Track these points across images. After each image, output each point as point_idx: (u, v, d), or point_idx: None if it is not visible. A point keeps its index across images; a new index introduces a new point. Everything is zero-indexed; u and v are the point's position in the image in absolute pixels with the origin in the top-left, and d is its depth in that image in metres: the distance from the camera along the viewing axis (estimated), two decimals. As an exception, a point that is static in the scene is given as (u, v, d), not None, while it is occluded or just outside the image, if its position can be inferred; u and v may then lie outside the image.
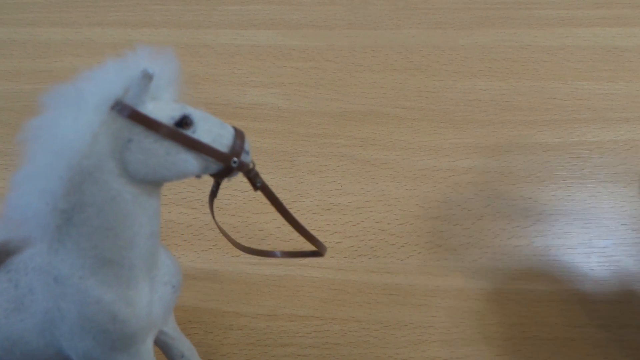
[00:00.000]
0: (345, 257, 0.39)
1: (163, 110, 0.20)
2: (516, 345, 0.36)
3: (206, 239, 0.40)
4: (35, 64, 0.50)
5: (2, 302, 0.21)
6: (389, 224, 0.40)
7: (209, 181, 0.40)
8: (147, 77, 0.19)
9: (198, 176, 0.22)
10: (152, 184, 0.21)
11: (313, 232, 0.41)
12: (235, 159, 0.21)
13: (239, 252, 0.40)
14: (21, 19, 0.52)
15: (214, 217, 0.25)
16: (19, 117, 0.47)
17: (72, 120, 0.19)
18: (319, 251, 0.26)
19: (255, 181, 0.23)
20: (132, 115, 0.19)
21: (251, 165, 0.23)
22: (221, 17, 0.51)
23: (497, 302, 0.38)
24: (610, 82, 0.46)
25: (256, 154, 0.43)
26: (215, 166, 0.21)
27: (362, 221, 0.41)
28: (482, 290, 0.38)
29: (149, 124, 0.19)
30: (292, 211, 0.40)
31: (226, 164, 0.21)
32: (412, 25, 0.50)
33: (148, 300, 0.23)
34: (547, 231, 0.40)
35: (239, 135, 0.22)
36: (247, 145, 0.22)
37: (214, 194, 0.24)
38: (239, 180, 0.43)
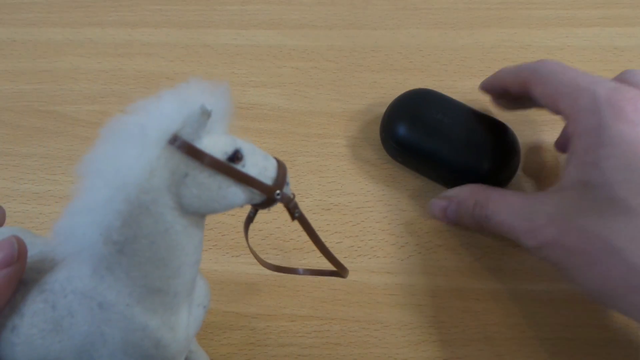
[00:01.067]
0: (345, 257, 0.39)
1: (217, 145, 0.20)
2: (516, 345, 0.36)
3: (206, 239, 0.40)
4: (35, 64, 0.50)
5: (39, 322, 0.21)
6: (389, 224, 0.40)
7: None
8: (206, 114, 0.19)
9: (241, 206, 0.22)
10: (201, 215, 0.21)
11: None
12: (278, 191, 0.22)
13: (239, 252, 0.40)
14: (21, 19, 0.53)
15: (247, 240, 0.26)
16: (19, 117, 0.47)
17: (135, 157, 0.19)
18: (340, 272, 0.27)
19: (294, 212, 0.24)
20: (190, 151, 0.19)
21: (292, 197, 0.23)
22: (221, 17, 0.51)
23: (497, 302, 0.38)
24: (610, 82, 0.46)
25: (256, 154, 0.43)
26: (259, 198, 0.22)
27: (362, 221, 0.41)
28: (482, 290, 0.38)
29: (206, 160, 0.20)
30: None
31: (269, 196, 0.22)
32: (412, 25, 0.50)
33: (186, 324, 0.23)
34: (547, 231, 0.40)
35: (281, 167, 0.23)
36: (288, 177, 0.23)
37: (250, 219, 0.25)
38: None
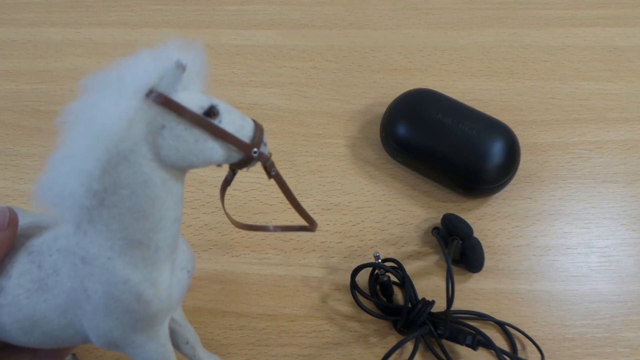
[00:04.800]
0: (345, 257, 0.39)
1: (192, 100, 0.21)
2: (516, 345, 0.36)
3: (206, 239, 0.40)
4: (35, 64, 0.50)
5: (25, 282, 0.22)
6: (389, 224, 0.40)
7: (207, 182, 0.40)
8: (181, 68, 0.20)
9: (219, 165, 0.23)
10: (180, 170, 0.22)
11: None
12: (255, 149, 0.22)
13: (239, 252, 0.40)
14: (21, 19, 0.52)
15: (223, 203, 0.26)
16: (19, 117, 0.47)
17: (113, 105, 0.20)
18: (310, 227, 0.27)
19: (271, 170, 0.24)
20: (166, 102, 0.20)
21: (269, 156, 0.24)
22: (221, 17, 0.51)
23: (497, 302, 0.38)
24: (610, 82, 0.46)
25: (256, 154, 0.43)
26: (237, 155, 0.22)
27: (362, 221, 0.41)
28: (482, 290, 0.38)
29: (181, 112, 0.20)
30: (291, 211, 0.41)
31: (247, 154, 0.22)
32: (412, 25, 0.50)
33: (168, 283, 0.23)
34: (547, 231, 0.40)
35: (258, 128, 0.23)
36: (265, 137, 0.23)
37: (227, 182, 0.25)
38: (239, 181, 0.43)
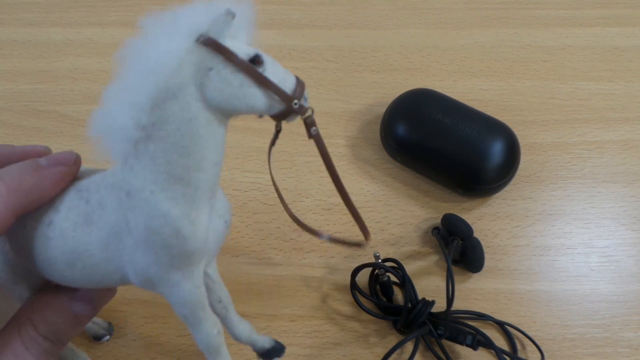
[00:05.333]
0: (345, 257, 0.39)
1: (240, 47, 0.23)
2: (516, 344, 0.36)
3: (206, 239, 0.40)
4: (35, 64, 0.50)
5: (72, 216, 0.23)
6: (389, 223, 0.40)
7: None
8: (230, 15, 0.22)
9: (260, 115, 0.24)
10: (223, 114, 0.23)
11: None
12: (296, 101, 0.23)
13: (239, 252, 0.40)
14: (21, 19, 0.52)
15: (270, 169, 0.28)
16: (19, 117, 0.47)
17: (166, 44, 0.21)
18: (363, 241, 0.28)
19: (311, 127, 0.25)
20: (215, 46, 0.21)
21: (310, 112, 0.25)
22: (221, 17, 0.51)
23: (497, 302, 0.38)
24: (610, 82, 0.46)
25: (256, 153, 0.43)
26: (278, 105, 0.23)
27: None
28: (482, 290, 0.38)
29: (228, 56, 0.22)
30: (292, 211, 0.40)
31: (288, 105, 0.23)
32: (412, 25, 0.50)
33: (206, 226, 0.24)
34: (547, 231, 0.40)
35: (300, 83, 0.24)
36: (307, 93, 0.24)
37: (273, 143, 0.27)
38: (239, 181, 0.43)
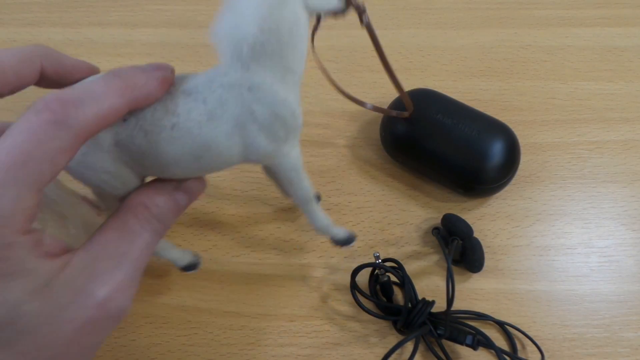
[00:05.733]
0: (345, 257, 0.39)
1: None
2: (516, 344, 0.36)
3: (206, 239, 0.40)
4: (35, 64, 0.50)
5: (195, 116, 0.25)
6: (389, 223, 0.40)
7: (207, 182, 0.40)
8: None
9: (334, 11, 0.29)
10: (310, 15, 0.27)
11: (313, 232, 0.41)
12: None
13: (239, 252, 0.40)
14: (21, 19, 0.53)
15: (314, 49, 0.33)
16: (19, 117, 0.47)
17: None
18: (405, 111, 0.34)
19: (363, 17, 0.31)
20: None
21: (364, 7, 0.30)
22: (221, 17, 0.51)
23: (497, 302, 0.38)
24: (610, 82, 0.46)
25: (256, 154, 0.43)
26: (342, 5, 0.29)
27: (362, 221, 0.41)
28: (482, 290, 0.38)
29: None
30: (291, 211, 0.41)
31: (349, 2, 0.29)
32: (412, 25, 0.50)
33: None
34: (547, 231, 0.40)
35: None
36: None
37: (315, 29, 0.32)
38: (240, 180, 0.43)
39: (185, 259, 0.35)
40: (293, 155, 0.29)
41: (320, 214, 0.33)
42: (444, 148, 0.39)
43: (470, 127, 0.39)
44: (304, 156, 0.43)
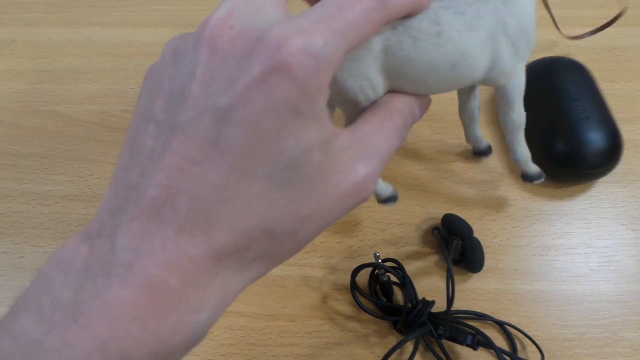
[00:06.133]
0: (345, 257, 0.39)
1: None
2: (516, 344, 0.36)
3: (206, 239, 0.40)
4: (35, 64, 0.50)
5: (456, 26, 0.27)
6: (389, 223, 0.40)
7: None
8: None
9: None
10: None
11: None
12: None
13: (239, 252, 0.40)
14: (21, 19, 0.53)
15: None
16: (19, 117, 0.47)
17: None
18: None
19: None
20: None
21: None
22: (221, 17, 0.51)
23: (497, 302, 0.38)
24: (611, 82, 0.46)
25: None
26: None
27: (362, 221, 0.41)
28: (482, 290, 0.38)
29: None
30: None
31: None
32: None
33: None
34: (547, 231, 0.40)
35: None
36: None
37: None
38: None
39: (387, 190, 0.35)
40: (522, 76, 0.30)
41: (524, 145, 0.34)
42: (563, 114, 0.40)
43: (587, 109, 0.40)
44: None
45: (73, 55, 0.50)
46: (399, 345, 0.34)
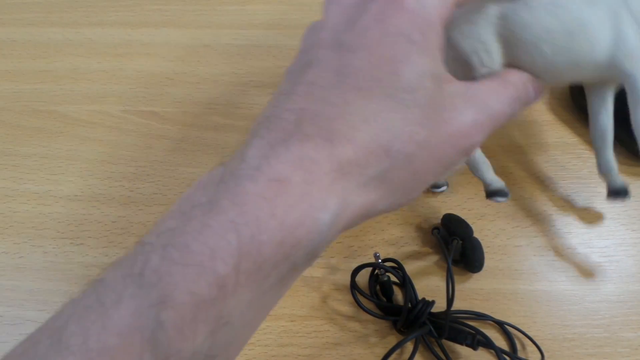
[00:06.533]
0: (345, 257, 0.39)
1: None
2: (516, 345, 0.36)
3: (206, 239, 0.40)
4: (35, 64, 0.50)
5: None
6: (389, 224, 0.40)
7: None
8: None
9: None
10: None
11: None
12: None
13: (239, 252, 0.40)
14: (21, 19, 0.53)
15: None
16: (19, 117, 0.47)
17: None
18: None
19: None
20: None
21: None
22: (221, 17, 0.51)
23: (497, 302, 0.38)
24: (610, 82, 0.46)
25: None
26: None
27: (362, 221, 0.41)
28: (482, 290, 0.38)
29: None
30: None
31: None
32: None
33: None
34: (547, 231, 0.40)
35: None
36: None
37: None
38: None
39: (497, 183, 0.35)
40: None
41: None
42: None
43: None
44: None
45: (73, 55, 0.50)
46: (399, 345, 0.34)
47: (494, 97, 0.26)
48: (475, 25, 0.28)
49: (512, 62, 0.28)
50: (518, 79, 0.28)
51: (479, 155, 0.35)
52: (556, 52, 0.27)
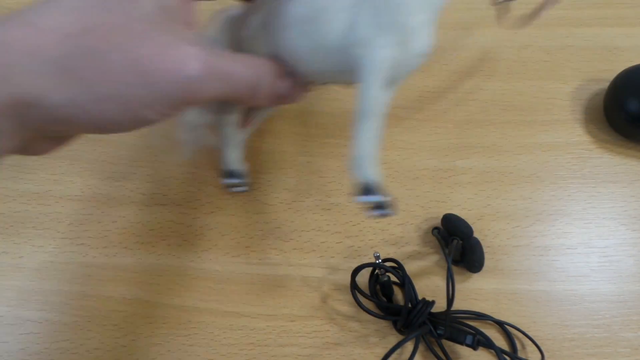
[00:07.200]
0: (345, 257, 0.39)
1: None
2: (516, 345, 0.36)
3: (206, 239, 0.40)
4: (35, 64, 0.50)
5: None
6: (388, 224, 0.40)
7: (207, 182, 0.40)
8: None
9: None
10: None
11: (313, 232, 0.41)
12: None
13: (238, 252, 0.40)
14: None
15: None
16: None
17: None
18: None
19: None
20: None
21: None
22: (221, 17, 0.51)
23: (497, 301, 0.38)
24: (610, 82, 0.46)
25: (257, 154, 0.43)
26: None
27: (362, 221, 0.41)
28: (482, 290, 0.38)
29: None
30: (291, 211, 0.40)
31: None
32: (412, 25, 0.50)
33: None
34: (547, 231, 0.40)
35: None
36: None
37: None
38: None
39: (235, 165, 0.35)
40: (381, 55, 0.27)
41: (370, 140, 0.29)
42: None
43: None
44: (304, 157, 0.44)
45: (73, 55, 0.50)
46: (399, 345, 0.34)
47: (230, 56, 0.26)
48: (254, 16, 0.31)
49: (276, 53, 0.29)
50: (266, 62, 0.28)
51: (231, 131, 0.36)
52: (298, 36, 0.28)
